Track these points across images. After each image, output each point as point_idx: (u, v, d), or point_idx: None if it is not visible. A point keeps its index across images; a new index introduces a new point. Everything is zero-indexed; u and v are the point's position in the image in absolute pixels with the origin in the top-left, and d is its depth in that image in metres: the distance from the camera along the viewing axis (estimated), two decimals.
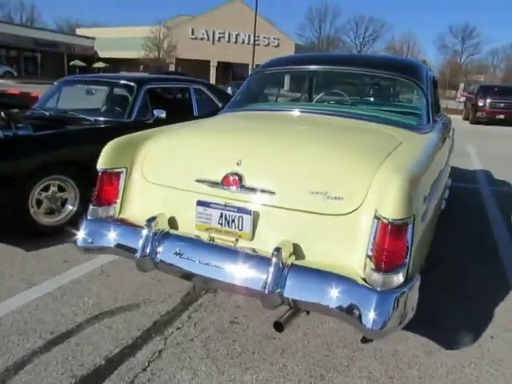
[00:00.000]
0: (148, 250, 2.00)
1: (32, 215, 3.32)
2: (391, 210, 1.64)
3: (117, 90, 4.58)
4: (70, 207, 3.58)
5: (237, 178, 1.96)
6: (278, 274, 1.73)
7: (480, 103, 16.75)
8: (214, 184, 2.01)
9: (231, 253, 1.91)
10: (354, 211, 1.79)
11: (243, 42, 42.79)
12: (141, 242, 2.01)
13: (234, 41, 42.71)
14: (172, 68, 38.79)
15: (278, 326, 1.79)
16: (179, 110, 4.77)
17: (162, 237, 2.02)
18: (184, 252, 1.97)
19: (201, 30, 41.69)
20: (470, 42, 66.22)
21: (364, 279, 1.69)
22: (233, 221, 1.97)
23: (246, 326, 2.33)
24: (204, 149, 2.20)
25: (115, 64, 40.90)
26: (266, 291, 1.72)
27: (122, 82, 4.41)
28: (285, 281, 1.74)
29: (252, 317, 2.41)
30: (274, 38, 42.45)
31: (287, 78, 3.96)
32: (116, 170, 2.26)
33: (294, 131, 2.40)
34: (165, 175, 2.22)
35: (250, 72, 42.68)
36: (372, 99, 3.32)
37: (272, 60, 3.46)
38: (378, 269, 1.66)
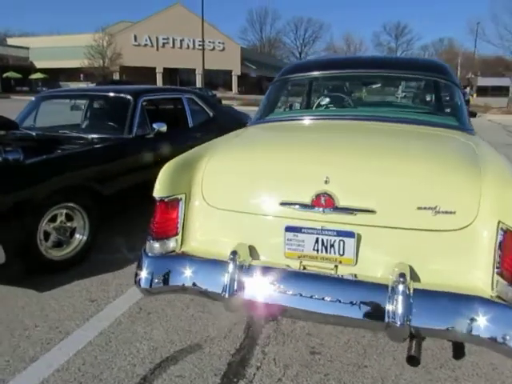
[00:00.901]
0: (236, 287, 1.75)
1: (41, 250, 2.91)
2: None
3: (111, 104, 4.20)
4: (79, 237, 3.18)
5: (328, 197, 1.77)
6: (407, 302, 1.57)
7: None
8: (302, 207, 1.80)
9: (340, 282, 1.72)
10: (469, 225, 1.67)
11: (188, 47, 42.19)
12: (226, 279, 1.76)
13: (179, 46, 41.98)
14: (116, 76, 37.35)
15: (414, 361, 1.62)
16: (174, 122, 4.47)
17: (250, 270, 1.78)
18: (281, 285, 1.75)
19: (144, 36, 40.55)
20: (403, 39, 69.87)
21: (499, 297, 1.57)
22: (332, 246, 1.78)
23: (329, 355, 2.14)
24: (281, 167, 1.97)
25: (55, 74, 38.74)
26: (398, 323, 1.55)
27: (116, 94, 4.03)
28: (411, 309, 1.58)
29: (329, 344, 2.22)
30: (219, 42, 42.23)
31: (315, 84, 3.79)
32: (175, 197, 1.98)
33: (367, 142, 2.22)
34: (232, 199, 1.97)
35: (197, 77, 42.31)
36: (410, 102, 3.25)
37: (296, 65, 3.29)
38: None
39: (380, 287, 1.65)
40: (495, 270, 1.60)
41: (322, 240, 1.78)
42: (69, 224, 3.12)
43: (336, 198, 1.76)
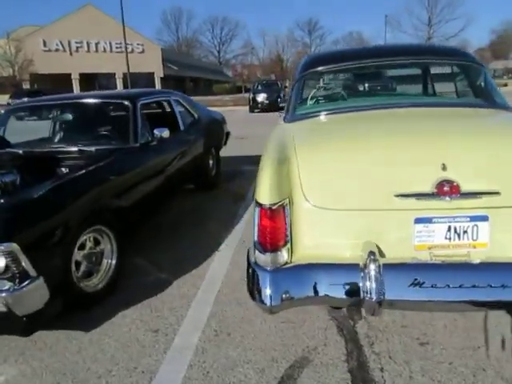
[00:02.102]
0: (379, 289, 1.64)
1: (76, 283, 2.54)
2: None
3: (107, 111, 3.78)
4: (107, 262, 2.83)
5: (452, 184, 1.73)
6: None
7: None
8: (428, 196, 1.74)
9: (485, 268, 1.68)
10: None
11: (105, 50, 40.05)
12: (369, 283, 1.64)
13: (95, 50, 39.64)
14: (27, 85, 34.32)
15: None
16: (167, 126, 4.18)
17: (388, 269, 1.68)
18: (425, 281, 1.67)
19: (54, 40, 37.63)
20: (316, 34, 72.68)
21: None
22: (465, 232, 1.74)
23: (438, 343, 2.10)
24: (393, 157, 1.87)
25: None
26: None
27: (112, 100, 3.65)
28: None
29: (430, 332, 2.19)
30: (138, 44, 40.59)
31: (344, 75, 3.69)
32: (282, 203, 1.81)
33: (456, 125, 2.21)
34: (343, 197, 1.85)
35: (117, 81, 40.27)
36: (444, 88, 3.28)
37: (321, 57, 3.21)
38: None
39: None
40: None
41: (455, 227, 1.74)
42: (97, 249, 2.77)
43: (459, 183, 1.72)
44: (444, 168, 1.76)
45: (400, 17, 36.25)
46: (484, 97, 2.73)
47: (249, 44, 72.94)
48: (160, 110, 4.78)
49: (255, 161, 6.75)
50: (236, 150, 7.04)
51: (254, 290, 1.81)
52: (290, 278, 1.75)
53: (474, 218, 1.73)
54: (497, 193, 1.72)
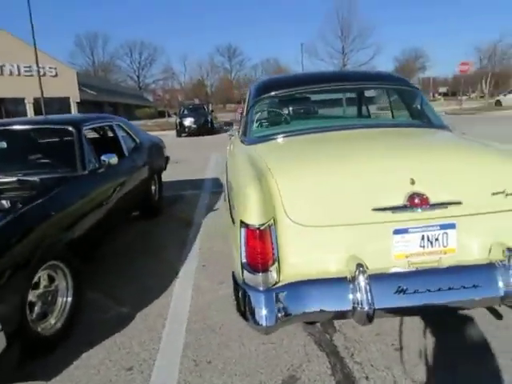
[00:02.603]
0: (370, 299, 1.72)
1: (32, 326, 2.30)
2: None
3: (50, 137, 3.51)
4: (62, 300, 2.60)
5: (422, 196, 1.89)
6: None
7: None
8: (401, 209, 1.88)
9: (464, 273, 1.85)
10: None
11: (11, 73, 37.26)
12: (360, 294, 1.72)
13: (0, 73, 36.73)
14: None
15: None
16: (112, 152, 4.02)
17: (374, 280, 1.77)
18: (407, 287, 1.78)
19: None
20: (236, 60, 74.69)
21: None
22: (436, 239, 1.90)
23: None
24: (365, 175, 1.99)
25: None
26: None
27: (56, 126, 3.42)
28: None
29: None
30: (51, 68, 38.37)
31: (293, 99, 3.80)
32: (268, 223, 1.84)
33: (417, 143, 2.42)
34: (323, 214, 1.92)
35: (27, 106, 37.58)
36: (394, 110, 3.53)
37: (269, 82, 3.33)
38: None
39: (488, 265, 1.85)
40: None
41: (428, 236, 1.90)
42: (52, 287, 2.54)
43: (427, 195, 1.89)
44: (412, 182, 1.92)
45: (316, 45, 38.99)
46: (425, 118, 3.03)
47: (169, 69, 72.76)
48: (103, 136, 4.56)
49: (193, 185, 6.85)
50: (171, 174, 6.92)
51: (246, 311, 1.79)
52: (283, 296, 1.77)
53: (443, 227, 1.90)
54: (459, 202, 1.92)
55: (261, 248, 1.80)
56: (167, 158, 6.08)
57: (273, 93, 3.22)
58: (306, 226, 1.91)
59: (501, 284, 1.81)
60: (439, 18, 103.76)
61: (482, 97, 44.25)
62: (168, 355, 2.32)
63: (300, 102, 3.90)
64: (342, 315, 1.81)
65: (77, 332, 2.58)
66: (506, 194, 1.96)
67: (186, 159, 10.38)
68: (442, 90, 64.38)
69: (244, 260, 1.84)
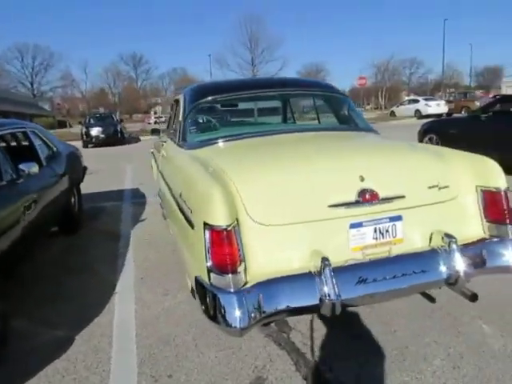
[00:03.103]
0: (336, 291, 1.80)
1: None
2: (499, 180, 2.20)
3: None
4: None
5: (372, 192, 2.03)
6: (461, 254, 2.00)
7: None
8: (354, 204, 2.00)
9: (412, 260, 2.01)
10: (459, 194, 2.25)
11: None
12: (327, 287, 1.79)
13: None
14: None
15: (475, 297, 2.04)
16: (28, 161, 3.67)
17: (338, 272, 1.85)
18: (367, 277, 1.90)
19: None
20: (142, 69, 72.37)
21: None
22: (387, 231, 2.05)
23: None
24: (317, 174, 2.07)
25: None
26: (463, 274, 1.96)
27: None
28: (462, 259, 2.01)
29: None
30: None
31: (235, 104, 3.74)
32: (234, 224, 1.83)
33: (360, 144, 2.58)
34: (284, 213, 1.97)
35: None
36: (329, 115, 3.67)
37: (206, 87, 3.31)
38: (502, 222, 2.19)
39: (431, 251, 2.05)
40: (485, 219, 2.23)
41: (379, 228, 2.04)
42: None
43: (376, 191, 2.04)
44: (362, 179, 2.05)
45: (227, 56, 39.68)
46: (356, 122, 3.26)
47: (68, 75, 67.93)
48: (17, 144, 4.10)
49: (113, 197, 6.56)
50: (88, 185, 6.48)
51: (217, 314, 1.75)
52: (254, 296, 1.76)
53: (392, 219, 2.06)
54: (403, 196, 2.10)
55: (229, 249, 1.78)
56: (85, 168, 5.69)
57: (210, 98, 3.21)
58: (268, 225, 1.93)
59: (443, 267, 2.01)
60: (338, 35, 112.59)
61: (376, 108, 48.77)
62: (122, 375, 2.16)
63: (237, 107, 3.94)
64: (311, 309, 1.86)
65: (8, 364, 2.28)
66: (439, 188, 2.19)
67: (101, 170, 9.79)
68: None
69: (210, 263, 1.80)
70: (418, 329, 2.40)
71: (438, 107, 26.20)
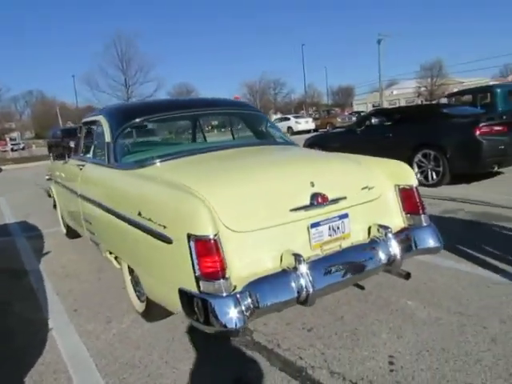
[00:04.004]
0: (311, 283, 2.04)
1: None
2: (411, 178, 2.71)
3: None
4: None
5: (322, 195, 2.34)
6: (392, 243, 2.42)
7: (72, 144, 18.17)
8: (309, 206, 2.28)
9: (359, 250, 2.35)
10: (382, 193, 2.70)
11: None
12: (303, 280, 2.02)
13: None
14: None
15: (409, 275, 2.45)
16: None
17: (311, 266, 2.10)
18: (331, 268, 2.18)
19: None
20: None
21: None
22: (338, 228, 2.37)
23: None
24: (274, 183, 2.30)
25: None
26: (399, 257, 2.38)
27: None
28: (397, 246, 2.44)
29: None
30: None
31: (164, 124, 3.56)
32: (217, 233, 1.94)
33: (301, 155, 2.88)
34: (253, 219, 2.14)
35: None
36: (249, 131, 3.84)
37: (131, 108, 3.31)
38: (416, 212, 2.68)
39: (372, 242, 2.43)
40: (402, 215, 2.71)
41: (332, 226, 2.35)
42: None
43: (326, 194, 2.36)
44: (312, 185, 2.35)
45: (97, 77, 37.51)
46: (279, 136, 3.60)
47: None
48: None
49: None
50: None
51: (211, 319, 1.84)
52: (245, 296, 1.89)
53: (340, 217, 2.39)
54: (345, 197, 2.45)
55: (218, 256, 1.89)
56: None
57: (140, 118, 3.23)
58: (240, 231, 2.09)
59: (382, 254, 2.40)
60: (211, 60, 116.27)
61: None
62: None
63: (168, 127, 3.96)
64: (291, 302, 2.05)
65: None
66: (369, 188, 2.61)
67: None
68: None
69: (199, 272, 1.89)
70: (359, 312, 2.76)
71: (306, 124, 29.00)
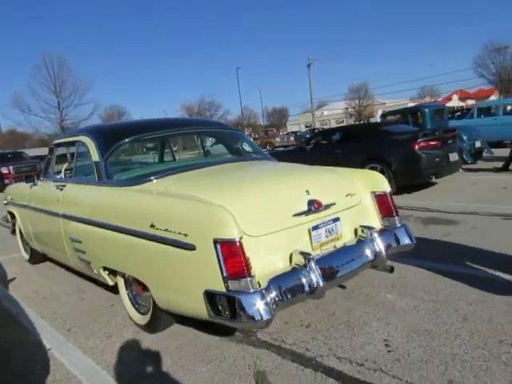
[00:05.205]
0: (321, 278, 2.31)
1: None
2: (384, 185, 3.10)
3: None
4: None
5: (317, 201, 2.65)
6: (380, 241, 2.77)
7: (4, 170, 17.22)
8: (308, 212, 2.57)
9: (351, 249, 2.68)
10: (362, 199, 3.06)
11: None
12: (314, 275, 2.28)
13: None
14: None
15: (392, 269, 2.81)
16: None
17: (316, 264, 2.37)
18: (333, 265, 2.47)
19: None
20: None
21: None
22: (332, 230, 2.68)
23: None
24: (278, 192, 2.58)
25: None
26: (384, 253, 2.73)
27: None
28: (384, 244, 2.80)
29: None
30: None
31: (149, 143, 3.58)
32: (242, 236, 2.16)
33: (290, 169, 3.18)
34: (264, 225, 2.39)
35: None
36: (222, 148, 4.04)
37: (120, 128, 3.43)
38: (391, 215, 3.07)
39: (359, 241, 2.77)
40: (379, 215, 3.09)
41: (328, 228, 2.65)
42: None
43: (320, 200, 2.67)
44: (308, 193, 2.65)
45: (28, 100, 35.38)
46: (259, 152, 3.88)
47: None
48: None
49: None
50: None
51: (241, 314, 2.04)
52: (269, 291, 2.12)
53: (334, 220, 2.70)
54: (335, 203, 2.77)
55: (243, 257, 2.10)
56: None
57: (129, 138, 3.37)
58: (254, 236, 2.32)
59: (368, 252, 2.74)
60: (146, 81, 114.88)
61: None
62: None
63: (151, 145, 4.07)
64: (304, 295, 2.29)
65: None
66: (351, 195, 2.97)
67: None
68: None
69: (226, 273, 2.08)
70: (347, 307, 3.07)
71: None
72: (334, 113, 64.00)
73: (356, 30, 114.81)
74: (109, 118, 60.70)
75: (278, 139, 31.53)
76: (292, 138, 31.44)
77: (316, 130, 32.50)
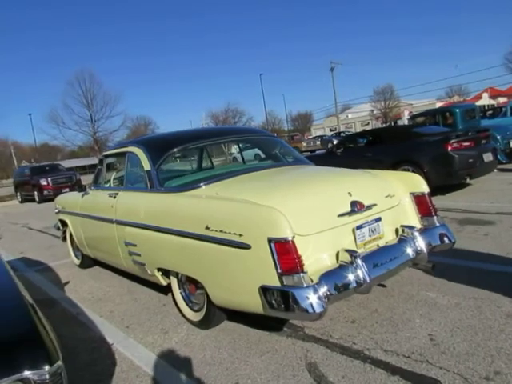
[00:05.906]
0: (367, 274, 2.46)
1: None
2: (423, 186, 3.22)
3: None
4: None
5: (360, 202, 2.79)
6: (418, 241, 2.89)
7: (43, 182, 17.91)
8: (351, 212, 2.73)
9: (394, 248, 2.81)
10: (401, 200, 3.19)
11: None
12: (361, 272, 2.43)
13: None
14: None
15: (434, 266, 2.92)
16: None
17: (362, 261, 2.51)
18: (377, 262, 2.61)
19: None
20: None
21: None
22: (375, 229, 2.82)
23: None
24: (323, 194, 2.76)
25: None
26: (425, 251, 2.84)
27: None
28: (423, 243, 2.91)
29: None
30: None
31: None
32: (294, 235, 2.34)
33: (332, 172, 3.36)
34: (311, 225, 2.56)
35: None
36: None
37: (169, 138, 3.73)
38: (430, 215, 3.17)
39: (401, 240, 2.89)
40: (418, 215, 3.20)
41: (371, 228, 2.80)
42: None
43: (362, 201, 2.81)
44: (350, 194, 2.80)
45: (62, 114, 36.87)
46: (297, 157, 4.08)
47: None
48: None
49: None
50: None
51: (293, 307, 2.21)
52: (321, 286, 2.28)
53: (376, 220, 2.84)
54: (376, 204, 2.91)
55: (296, 254, 2.28)
56: None
57: (178, 148, 3.63)
58: (304, 235, 2.49)
59: (409, 250, 2.86)
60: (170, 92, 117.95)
61: None
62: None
63: (199, 153, 4.35)
64: (351, 291, 2.45)
65: None
66: (391, 196, 3.10)
67: None
68: None
69: (280, 269, 2.26)
70: (389, 305, 3.19)
71: None
72: (359, 115, 63.56)
73: (376, 35, 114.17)
74: (136, 128, 62.21)
75: (304, 144, 31.58)
76: (318, 143, 31.46)
77: (342, 134, 32.47)
